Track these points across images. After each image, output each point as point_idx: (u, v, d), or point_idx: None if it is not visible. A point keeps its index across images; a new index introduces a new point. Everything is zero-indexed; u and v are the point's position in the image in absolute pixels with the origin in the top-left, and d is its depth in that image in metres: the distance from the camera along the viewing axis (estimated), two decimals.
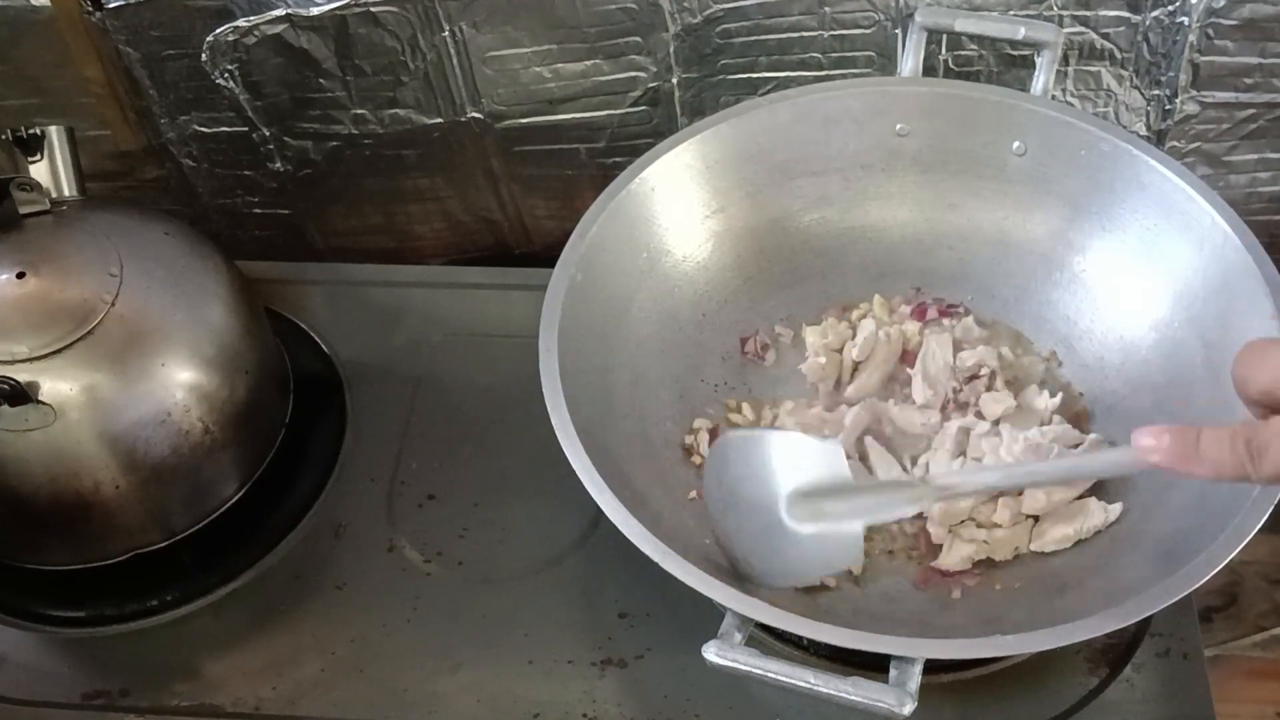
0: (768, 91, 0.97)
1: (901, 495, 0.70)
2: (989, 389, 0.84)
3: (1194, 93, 0.92)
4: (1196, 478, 0.59)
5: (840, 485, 0.69)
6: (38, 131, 0.88)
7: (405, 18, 0.94)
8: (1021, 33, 0.86)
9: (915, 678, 0.64)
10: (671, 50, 0.96)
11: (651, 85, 0.98)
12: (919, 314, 0.90)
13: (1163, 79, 0.92)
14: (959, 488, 0.70)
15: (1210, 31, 0.88)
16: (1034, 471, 0.76)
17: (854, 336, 0.88)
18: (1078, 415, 0.85)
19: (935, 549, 0.80)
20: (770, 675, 0.65)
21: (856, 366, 0.88)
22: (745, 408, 0.88)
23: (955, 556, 0.78)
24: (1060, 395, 0.84)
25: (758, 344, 0.90)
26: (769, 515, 0.70)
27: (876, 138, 0.90)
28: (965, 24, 0.87)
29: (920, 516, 0.81)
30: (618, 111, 1.00)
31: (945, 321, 0.89)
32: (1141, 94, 0.94)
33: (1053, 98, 0.89)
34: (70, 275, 0.83)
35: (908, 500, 0.70)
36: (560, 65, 0.97)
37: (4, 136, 0.88)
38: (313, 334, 1.02)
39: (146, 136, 1.05)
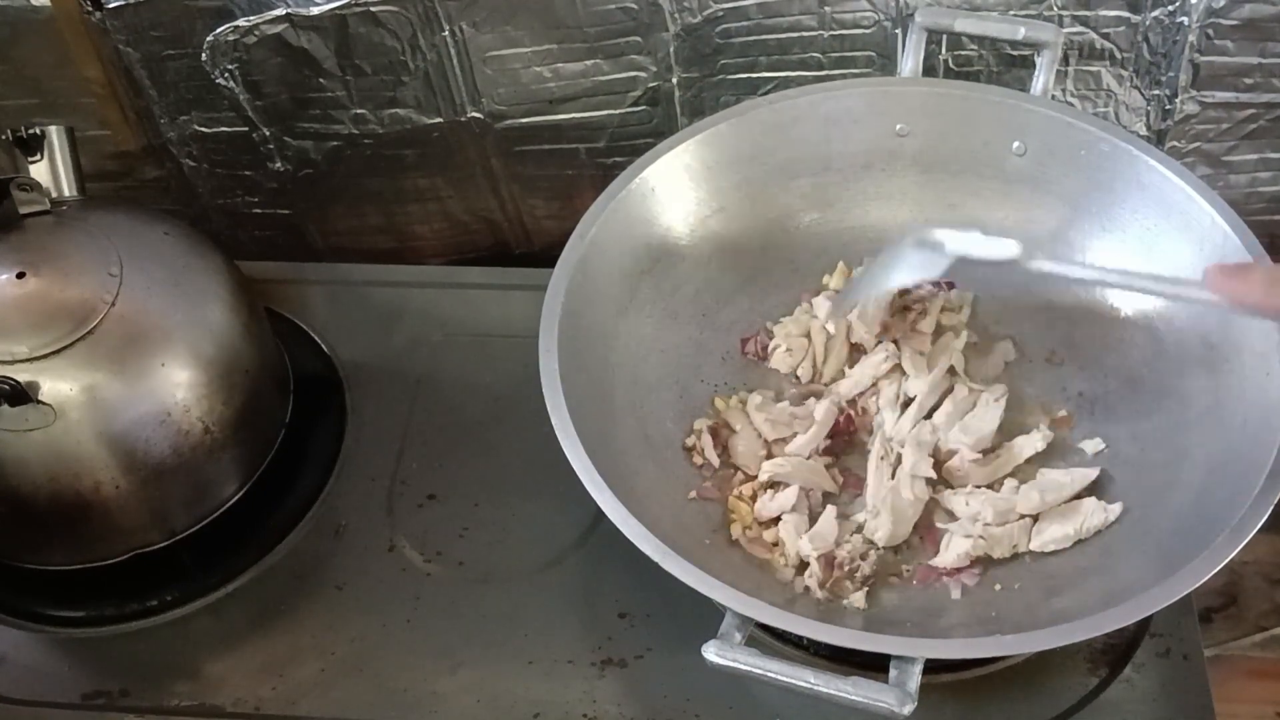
0: (768, 91, 0.97)
1: (1002, 249, 0.76)
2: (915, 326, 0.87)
3: (1194, 93, 0.92)
4: (1237, 303, 0.68)
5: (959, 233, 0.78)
6: (38, 131, 0.88)
7: (405, 18, 0.94)
8: (1021, 33, 0.86)
9: (915, 678, 0.64)
10: (671, 50, 0.96)
11: (651, 85, 0.98)
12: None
13: (1163, 79, 0.92)
14: (1046, 269, 0.77)
15: (1210, 31, 0.88)
16: (1118, 279, 0.81)
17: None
18: (1058, 421, 0.85)
19: (935, 538, 0.80)
20: (770, 675, 0.65)
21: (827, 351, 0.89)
22: (733, 400, 0.87)
23: (953, 553, 0.78)
24: (1049, 433, 0.84)
25: (758, 344, 0.90)
26: (893, 248, 0.81)
27: (876, 138, 0.90)
28: (965, 24, 0.87)
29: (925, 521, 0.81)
30: (618, 111, 1.00)
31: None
32: (1141, 94, 0.94)
33: (1053, 98, 0.89)
34: (70, 275, 0.83)
35: (1003, 252, 0.76)
36: (560, 65, 0.97)
37: (4, 136, 0.88)
38: (313, 334, 1.02)
39: (146, 136, 1.05)
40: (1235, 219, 0.78)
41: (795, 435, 0.85)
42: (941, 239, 0.78)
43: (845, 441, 0.85)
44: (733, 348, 0.90)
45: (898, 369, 0.86)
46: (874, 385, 0.86)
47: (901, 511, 0.80)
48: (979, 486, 0.81)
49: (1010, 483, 0.81)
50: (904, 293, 0.87)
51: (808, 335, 0.89)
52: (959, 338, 0.87)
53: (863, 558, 0.78)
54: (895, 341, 0.87)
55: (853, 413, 0.85)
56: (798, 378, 0.89)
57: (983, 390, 0.85)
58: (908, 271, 0.79)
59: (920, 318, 0.87)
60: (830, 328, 0.88)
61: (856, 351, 0.89)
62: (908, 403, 0.85)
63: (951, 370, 0.86)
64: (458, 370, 0.99)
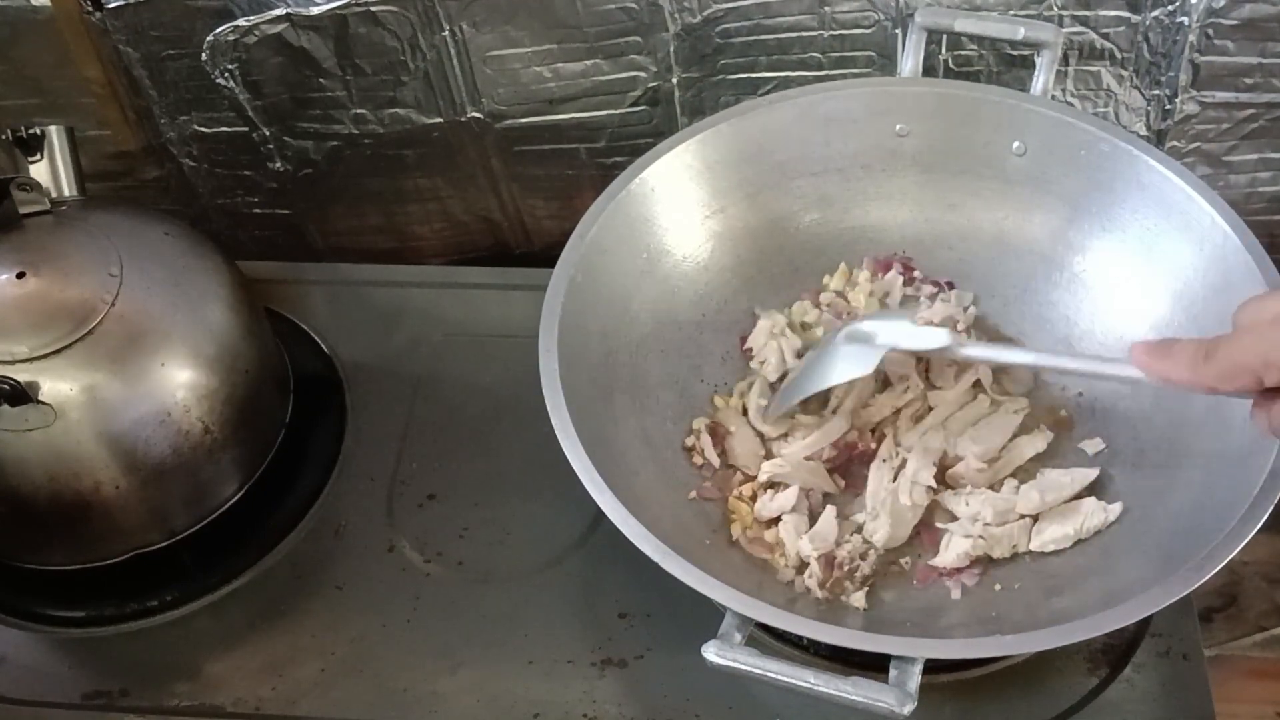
0: (768, 91, 0.97)
1: (931, 339, 0.77)
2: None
3: (1194, 93, 0.92)
4: (1164, 381, 0.67)
5: (889, 324, 0.79)
6: (38, 131, 0.89)
7: (405, 17, 0.94)
8: (1021, 33, 0.86)
9: (915, 678, 0.64)
10: (671, 50, 0.96)
11: (651, 85, 0.98)
12: (883, 268, 0.91)
13: (1163, 79, 0.92)
14: (978, 356, 0.78)
15: (1210, 31, 0.88)
16: (1044, 360, 0.81)
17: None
18: (1058, 421, 0.85)
19: (935, 537, 0.80)
20: (770, 675, 0.65)
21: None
22: (732, 400, 0.87)
23: (952, 553, 0.78)
24: (1048, 433, 0.84)
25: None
26: (827, 343, 0.82)
27: (876, 138, 0.90)
28: (965, 24, 0.87)
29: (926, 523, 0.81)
30: (618, 111, 1.00)
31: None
32: (1141, 94, 0.94)
33: (1053, 98, 0.89)
34: (70, 275, 0.83)
35: (932, 342, 0.76)
36: (560, 65, 0.97)
37: (4, 136, 0.88)
38: (313, 334, 1.02)
39: (146, 136, 1.05)
40: (1235, 219, 0.78)
41: (797, 434, 0.85)
42: (872, 331, 0.79)
43: (856, 461, 0.84)
44: (732, 348, 0.90)
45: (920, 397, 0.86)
46: (895, 413, 0.85)
47: (900, 515, 0.80)
48: (979, 487, 0.81)
49: (1010, 483, 0.81)
50: None
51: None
52: None
53: (862, 558, 0.78)
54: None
55: (871, 443, 0.84)
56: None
57: (1005, 400, 0.85)
58: (841, 369, 0.79)
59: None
60: (762, 427, 0.87)
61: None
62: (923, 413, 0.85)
63: (977, 383, 0.86)
64: (458, 370, 0.99)
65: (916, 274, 0.91)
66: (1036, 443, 0.82)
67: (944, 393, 0.85)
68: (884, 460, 0.82)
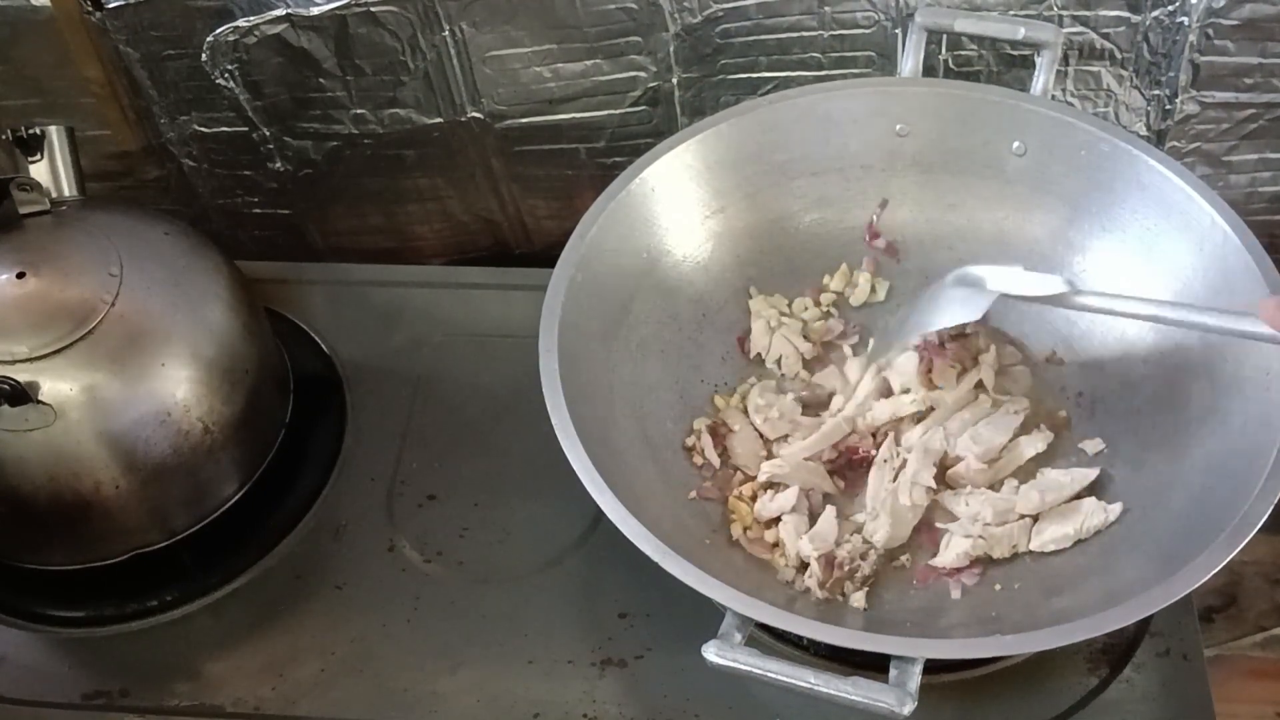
0: (768, 91, 0.97)
1: (1045, 285, 0.74)
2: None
3: (1194, 93, 0.92)
4: None
5: (1000, 269, 0.77)
6: (38, 131, 0.88)
7: (405, 18, 0.94)
8: (1021, 33, 0.86)
9: (915, 678, 0.64)
10: (671, 50, 0.96)
11: (651, 85, 0.98)
12: (873, 236, 0.91)
13: (1163, 79, 0.92)
14: (1095, 305, 0.75)
15: (1210, 31, 0.88)
16: (1166, 313, 0.75)
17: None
18: (1058, 421, 0.85)
19: (935, 537, 0.80)
20: (770, 675, 0.65)
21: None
22: (733, 400, 0.88)
23: (952, 553, 0.78)
24: (1049, 433, 0.84)
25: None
26: (936, 286, 0.80)
27: (876, 138, 0.90)
28: (965, 24, 0.87)
29: (927, 525, 0.81)
30: (618, 111, 1.00)
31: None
32: (1141, 94, 0.94)
33: (1053, 98, 0.89)
34: (70, 275, 0.83)
35: (1046, 288, 0.74)
36: (560, 65, 0.97)
37: (4, 136, 0.88)
38: (313, 334, 1.02)
39: (146, 136, 1.05)
40: (1235, 219, 0.78)
41: (797, 435, 0.85)
42: (982, 276, 0.77)
43: (856, 463, 0.84)
44: (732, 348, 0.90)
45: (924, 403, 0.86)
46: (895, 422, 0.85)
47: (900, 515, 0.80)
48: (979, 487, 0.81)
49: (1010, 483, 0.81)
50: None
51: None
52: (989, 351, 0.87)
53: (863, 558, 0.78)
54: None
55: (871, 447, 0.84)
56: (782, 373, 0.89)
57: (1005, 400, 0.85)
58: (949, 312, 0.79)
59: (974, 337, 0.87)
60: (859, 375, 0.87)
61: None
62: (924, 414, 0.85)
63: (979, 385, 0.86)
64: (458, 370, 0.99)
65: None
66: (1037, 443, 0.82)
67: (945, 393, 0.85)
68: (884, 461, 0.82)
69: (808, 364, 0.90)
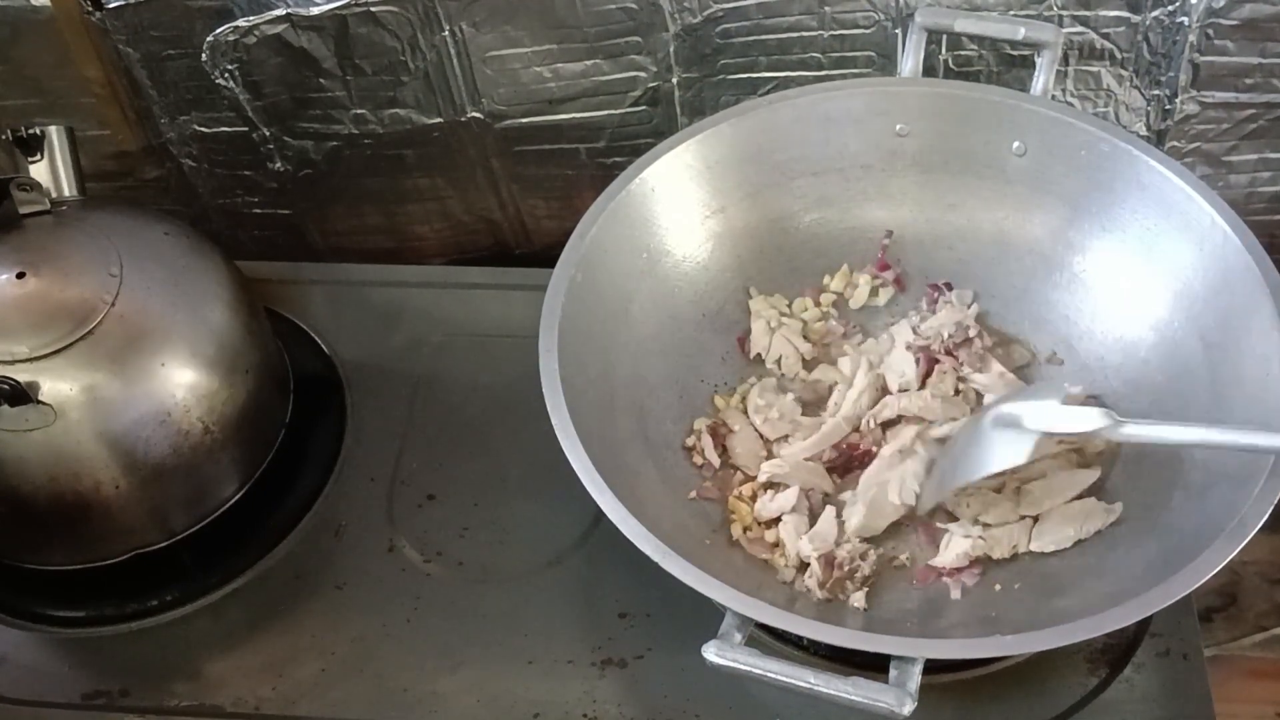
0: (768, 91, 0.97)
1: (1085, 421, 0.71)
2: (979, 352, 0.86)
3: (1194, 93, 0.92)
4: None
5: (1036, 405, 0.74)
6: (38, 131, 0.88)
7: (405, 18, 0.94)
8: (1021, 33, 0.86)
9: (915, 678, 0.64)
10: (671, 50, 0.96)
11: (651, 85, 0.98)
12: (882, 267, 0.91)
13: (1163, 79, 0.92)
14: (1139, 436, 0.72)
15: (1210, 31, 0.88)
16: (1211, 437, 0.71)
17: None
18: None
19: (935, 537, 0.80)
20: (770, 675, 0.65)
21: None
22: (734, 400, 0.88)
23: (952, 553, 0.78)
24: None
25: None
26: (973, 427, 0.77)
27: (876, 138, 0.90)
28: (965, 24, 0.87)
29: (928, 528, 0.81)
30: (618, 111, 1.00)
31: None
32: (1141, 94, 0.94)
33: (1053, 98, 0.89)
34: (70, 275, 0.83)
35: (1087, 425, 0.71)
36: (560, 65, 0.97)
37: (4, 136, 0.88)
38: (313, 334, 1.02)
39: (146, 136, 1.05)
40: (1235, 219, 0.78)
41: (797, 435, 0.85)
42: (1018, 413, 0.74)
43: (855, 463, 0.84)
44: (732, 348, 0.90)
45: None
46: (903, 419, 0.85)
47: (880, 507, 0.80)
48: (979, 488, 0.81)
49: (1011, 483, 0.81)
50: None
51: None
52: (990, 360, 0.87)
53: (862, 558, 0.78)
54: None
55: (872, 444, 0.84)
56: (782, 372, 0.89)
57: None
58: (997, 456, 0.74)
59: (978, 339, 0.87)
60: (856, 373, 0.87)
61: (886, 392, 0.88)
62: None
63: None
64: (458, 370, 0.99)
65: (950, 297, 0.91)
66: (1085, 478, 0.81)
67: (944, 402, 0.85)
68: (892, 454, 0.82)
69: (807, 364, 0.90)
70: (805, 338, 0.90)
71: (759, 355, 0.90)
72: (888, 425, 0.85)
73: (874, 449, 0.83)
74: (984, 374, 0.85)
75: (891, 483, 0.80)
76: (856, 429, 0.85)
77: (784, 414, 0.86)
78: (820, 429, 0.84)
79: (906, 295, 0.92)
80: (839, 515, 0.81)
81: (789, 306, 0.91)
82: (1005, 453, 0.74)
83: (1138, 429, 0.71)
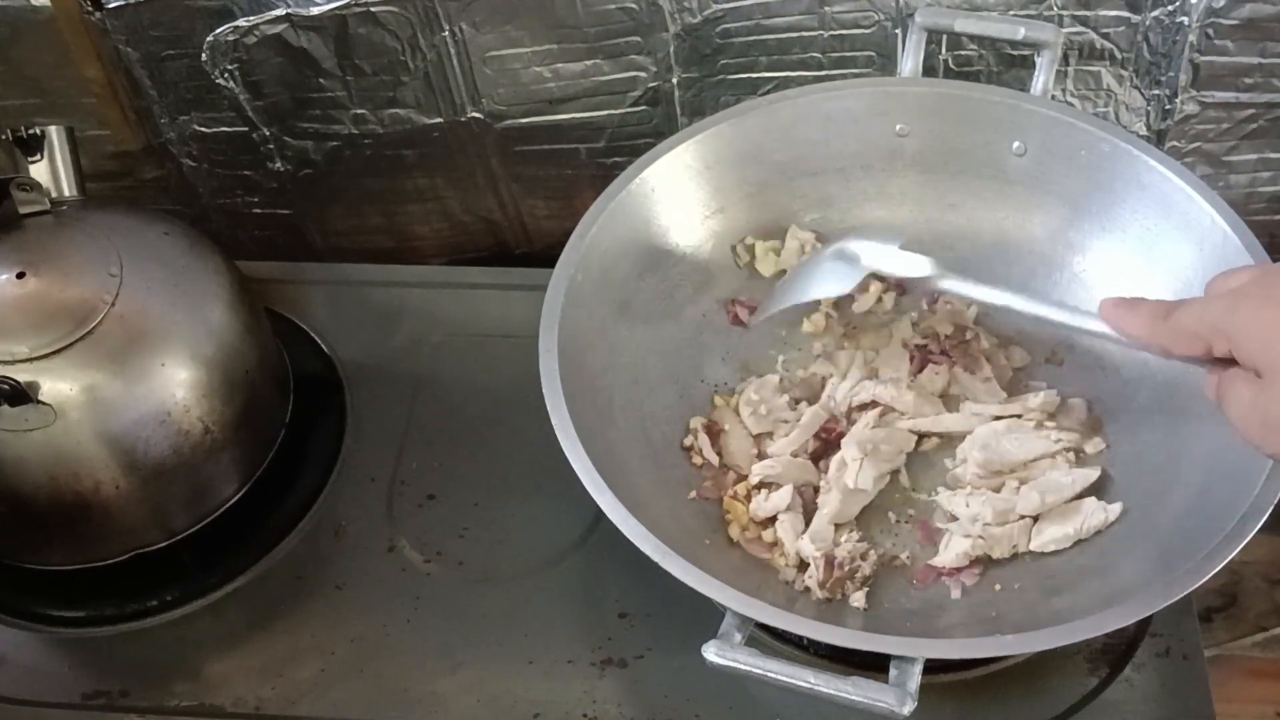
0: (768, 91, 0.97)
1: (913, 265, 0.77)
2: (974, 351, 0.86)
3: (1194, 93, 0.92)
4: (1124, 334, 0.70)
5: (877, 246, 0.79)
6: (38, 131, 0.88)
7: (405, 18, 0.94)
8: (1021, 33, 0.86)
9: (915, 678, 0.64)
10: (671, 50, 0.96)
11: (651, 85, 0.98)
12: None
13: (1163, 79, 0.92)
14: (958, 290, 0.77)
15: (1210, 31, 0.88)
16: (1018, 303, 0.76)
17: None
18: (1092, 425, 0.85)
19: (934, 537, 0.80)
20: (770, 675, 0.65)
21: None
22: (733, 400, 0.88)
23: (952, 553, 0.78)
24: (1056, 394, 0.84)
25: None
26: (815, 256, 0.84)
27: (876, 138, 0.90)
28: (965, 24, 0.87)
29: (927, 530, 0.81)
30: (618, 111, 1.00)
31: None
32: (1141, 94, 0.94)
33: (1053, 98, 0.89)
34: (70, 275, 0.83)
35: (914, 269, 0.77)
36: (560, 65, 0.97)
37: (4, 136, 0.88)
38: (313, 334, 1.02)
39: (146, 136, 1.05)
40: (1235, 219, 0.78)
41: (780, 431, 0.85)
42: (857, 251, 0.79)
43: (831, 446, 0.84)
44: (732, 348, 0.90)
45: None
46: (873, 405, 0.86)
47: (851, 495, 0.80)
48: (979, 488, 0.81)
49: (1010, 483, 0.81)
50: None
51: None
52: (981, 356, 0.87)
53: (863, 558, 0.78)
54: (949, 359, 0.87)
55: (844, 424, 0.84)
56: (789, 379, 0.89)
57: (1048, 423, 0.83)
58: (822, 284, 0.81)
59: (975, 341, 0.87)
60: (849, 365, 0.88)
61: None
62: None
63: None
64: (458, 370, 0.99)
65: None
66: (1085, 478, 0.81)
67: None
68: (854, 440, 0.82)
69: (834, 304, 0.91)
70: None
71: (783, 271, 0.90)
72: (863, 409, 0.85)
73: (846, 427, 0.84)
74: (973, 377, 0.85)
75: (849, 471, 0.80)
76: (833, 416, 0.85)
77: (771, 410, 0.86)
78: (800, 421, 0.84)
79: (907, 296, 0.92)
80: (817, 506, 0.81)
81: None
82: (832, 283, 0.80)
83: (954, 283, 0.76)
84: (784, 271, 0.90)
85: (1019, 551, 0.79)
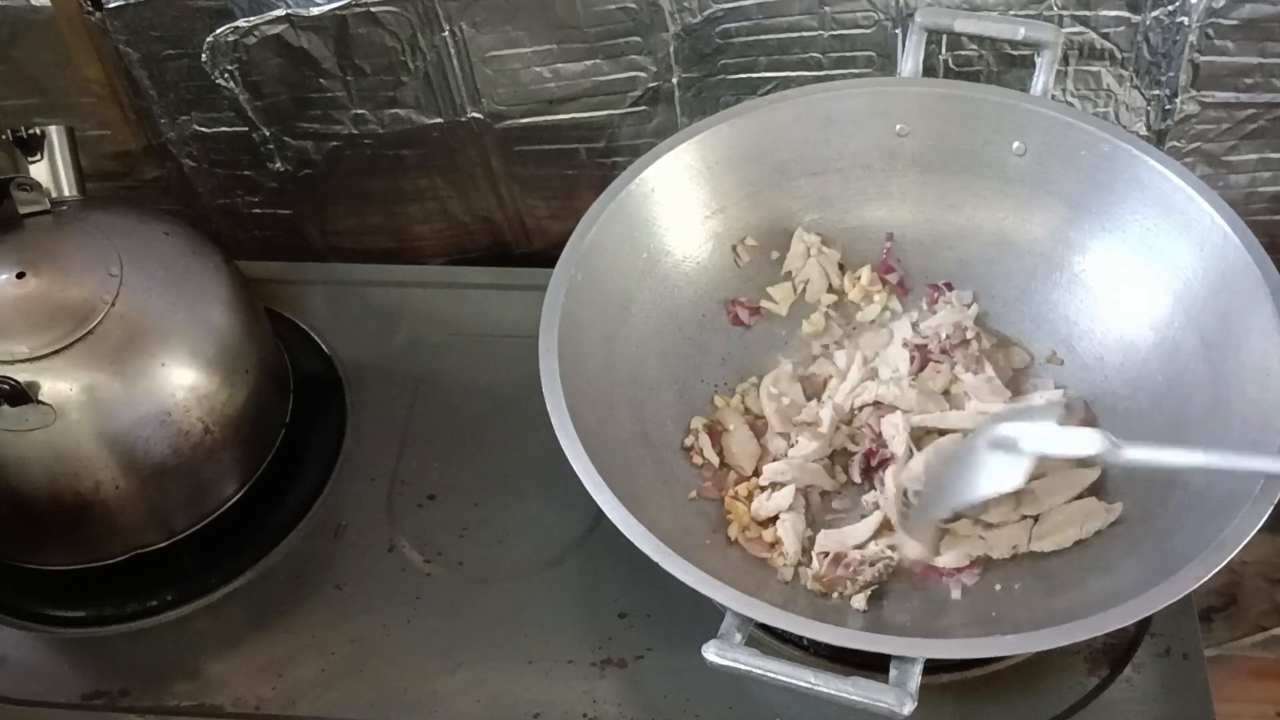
0: (768, 91, 0.97)
1: (1083, 443, 0.70)
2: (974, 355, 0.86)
3: (1194, 93, 0.92)
4: None
5: (1033, 427, 0.73)
6: (38, 131, 0.88)
7: (405, 18, 0.94)
8: (1021, 33, 0.86)
9: (915, 678, 0.64)
10: (671, 50, 0.96)
11: (651, 85, 0.98)
12: (884, 270, 0.91)
13: (1163, 79, 0.92)
14: (1144, 459, 0.71)
15: (1210, 31, 0.88)
16: (1216, 461, 0.70)
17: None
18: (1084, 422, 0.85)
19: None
20: (770, 675, 0.65)
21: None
22: (733, 400, 0.88)
23: (953, 554, 0.78)
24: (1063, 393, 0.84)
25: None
26: (967, 448, 0.76)
27: (876, 138, 0.90)
28: (965, 24, 0.87)
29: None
30: (618, 111, 1.00)
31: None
32: (1141, 94, 0.94)
33: (1053, 98, 0.89)
34: (70, 275, 0.83)
35: (1085, 448, 0.70)
36: (560, 65, 0.97)
37: (4, 136, 0.88)
38: (313, 334, 1.02)
39: (146, 136, 1.05)
40: (1235, 219, 0.78)
41: (798, 433, 0.85)
42: (1014, 436, 0.73)
43: (878, 467, 0.84)
44: (733, 348, 0.90)
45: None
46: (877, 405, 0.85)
47: (925, 535, 0.79)
48: None
49: None
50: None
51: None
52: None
53: (871, 564, 0.77)
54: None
55: (874, 440, 0.84)
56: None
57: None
58: (990, 480, 0.73)
59: (975, 341, 0.87)
60: (848, 365, 0.88)
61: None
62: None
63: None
64: (458, 370, 0.99)
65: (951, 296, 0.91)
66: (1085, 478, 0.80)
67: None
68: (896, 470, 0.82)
69: (835, 294, 0.91)
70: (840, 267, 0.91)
71: (788, 273, 0.91)
72: (865, 408, 0.85)
73: (883, 449, 0.83)
74: (975, 376, 0.85)
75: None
76: (848, 421, 0.85)
77: (794, 401, 0.86)
78: (817, 429, 0.84)
79: (908, 296, 0.92)
80: (843, 510, 0.82)
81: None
82: (1000, 476, 0.73)
83: (1136, 453, 0.70)
84: (800, 304, 0.91)
85: (1019, 551, 0.79)
